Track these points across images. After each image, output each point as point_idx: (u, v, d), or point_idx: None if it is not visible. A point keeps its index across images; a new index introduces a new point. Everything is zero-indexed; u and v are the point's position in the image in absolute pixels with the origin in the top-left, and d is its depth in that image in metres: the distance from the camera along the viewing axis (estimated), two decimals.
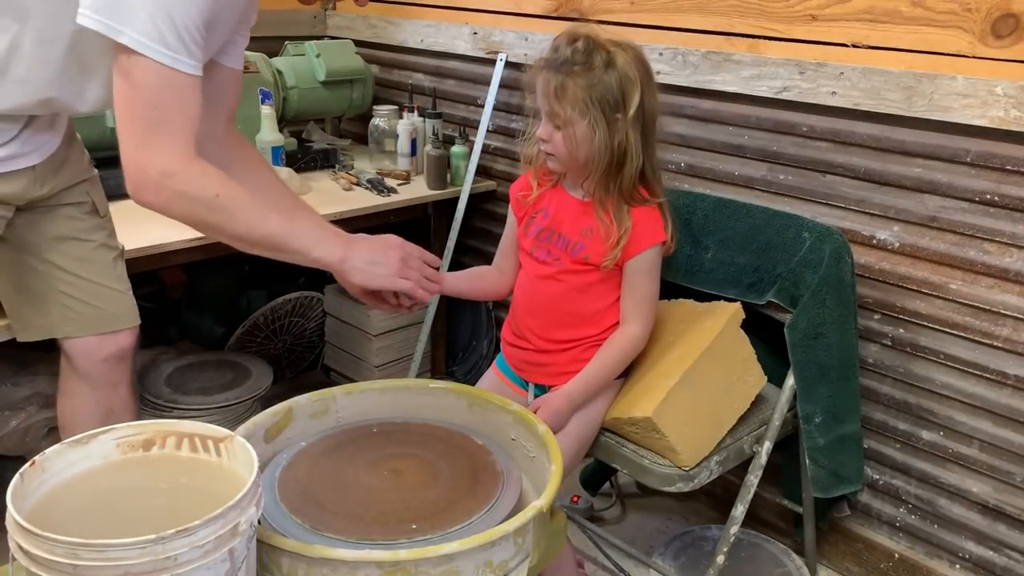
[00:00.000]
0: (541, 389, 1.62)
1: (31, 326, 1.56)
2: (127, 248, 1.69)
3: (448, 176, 2.46)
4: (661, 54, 2.02)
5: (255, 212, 1.24)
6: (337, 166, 2.54)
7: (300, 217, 1.33)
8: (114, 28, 1.12)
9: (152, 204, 1.20)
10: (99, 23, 1.12)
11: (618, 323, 1.57)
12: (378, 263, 1.33)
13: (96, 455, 1.01)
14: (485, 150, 2.50)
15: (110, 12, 1.11)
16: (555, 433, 1.33)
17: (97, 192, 1.58)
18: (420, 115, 2.58)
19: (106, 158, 1.67)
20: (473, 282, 1.68)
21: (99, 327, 1.56)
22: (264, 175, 1.50)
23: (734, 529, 1.68)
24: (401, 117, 2.59)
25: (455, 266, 2.54)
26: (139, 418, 1.46)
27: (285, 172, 2.24)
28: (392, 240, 1.37)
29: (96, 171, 1.60)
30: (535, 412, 1.44)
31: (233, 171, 1.41)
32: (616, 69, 1.41)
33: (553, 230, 1.56)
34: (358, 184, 2.41)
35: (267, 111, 2.31)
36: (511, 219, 1.66)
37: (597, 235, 1.51)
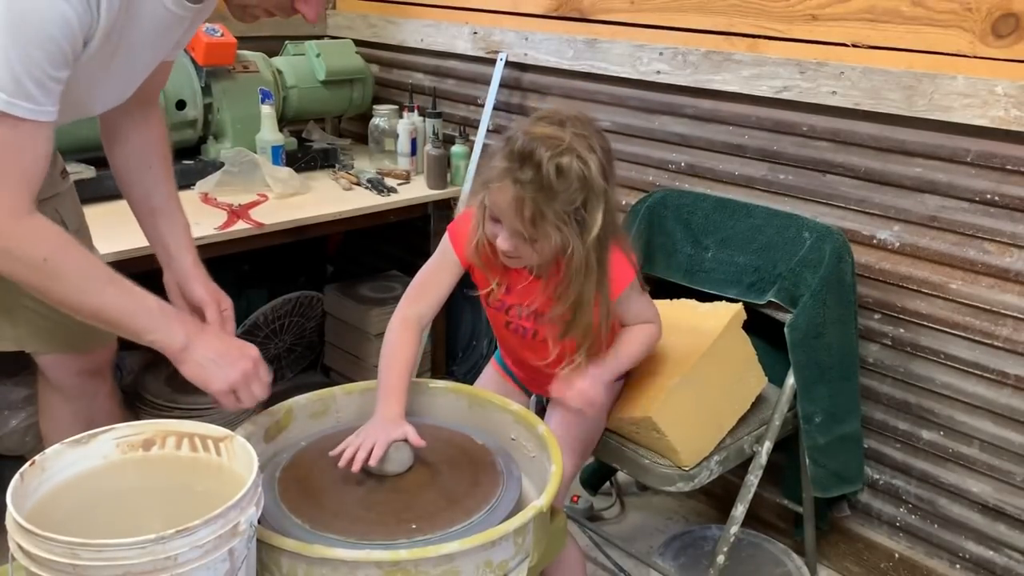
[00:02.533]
0: (538, 399, 1.62)
1: (3, 337, 1.51)
2: (126, 248, 1.68)
3: (448, 176, 2.46)
4: (661, 54, 2.02)
5: (88, 282, 1.13)
6: (337, 166, 2.54)
7: (140, 291, 1.18)
8: None
9: None
10: None
11: (610, 339, 1.51)
12: (216, 364, 1.20)
13: (96, 455, 1.01)
14: (485, 150, 2.50)
15: None
16: (590, 412, 1.33)
17: (66, 207, 1.49)
18: (420, 115, 2.58)
19: (101, 158, 1.64)
20: (416, 355, 1.43)
21: (68, 346, 1.51)
22: (148, 159, 1.40)
23: (734, 529, 1.68)
24: (401, 117, 2.59)
25: None
26: (138, 418, 1.45)
27: (285, 172, 2.24)
28: (250, 350, 1.25)
29: (70, 182, 1.52)
30: (566, 401, 1.38)
31: (127, 153, 1.40)
32: (584, 177, 1.24)
33: (520, 304, 1.42)
34: (358, 184, 2.40)
35: (267, 111, 2.31)
36: (449, 260, 1.43)
37: (563, 311, 1.36)
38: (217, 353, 1.21)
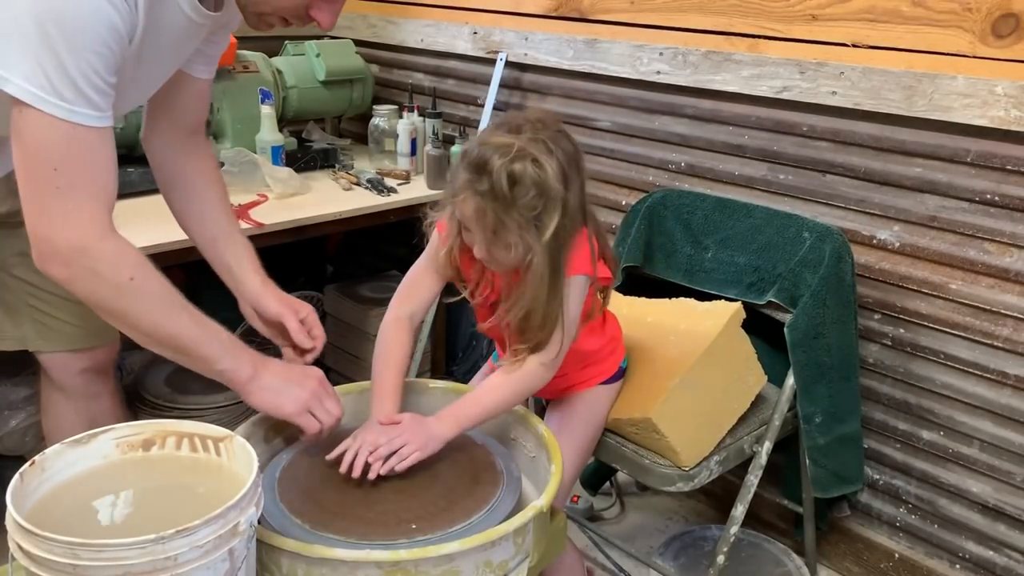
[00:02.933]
0: (537, 399, 1.62)
1: (6, 336, 1.52)
2: None
3: (448, 176, 2.46)
4: (661, 54, 2.02)
5: (167, 307, 1.11)
6: (337, 166, 2.54)
7: (211, 320, 1.16)
8: (1, 76, 0.97)
9: (58, 277, 1.06)
10: None
11: (603, 341, 1.51)
12: (284, 392, 1.20)
13: (96, 455, 1.01)
14: None
15: None
16: (420, 456, 1.23)
17: None
18: (420, 115, 2.58)
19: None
20: (409, 354, 1.43)
21: (72, 343, 1.51)
22: (202, 191, 1.38)
23: (734, 529, 1.68)
24: (401, 117, 2.59)
25: None
26: (138, 419, 1.45)
27: (285, 172, 2.24)
28: (314, 371, 1.26)
29: None
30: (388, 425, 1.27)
31: (180, 188, 1.37)
32: (539, 182, 1.22)
33: (498, 300, 1.40)
34: (358, 184, 2.40)
35: (267, 111, 2.31)
36: (435, 250, 1.42)
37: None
38: (283, 378, 1.20)
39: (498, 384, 1.34)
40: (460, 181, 1.26)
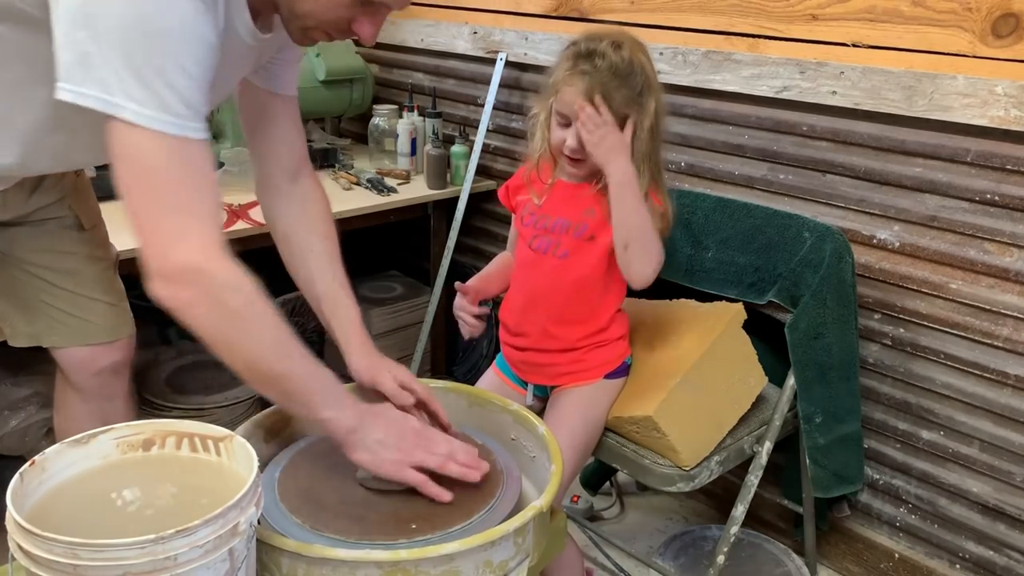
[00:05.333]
0: (540, 389, 1.62)
1: (20, 333, 1.53)
2: (127, 248, 1.68)
3: (448, 176, 2.46)
4: (661, 54, 2.02)
5: (279, 342, 1.04)
6: (337, 165, 2.54)
7: (318, 362, 1.10)
8: (109, 102, 0.93)
9: (174, 302, 0.99)
10: (88, 98, 0.93)
11: (615, 321, 1.57)
12: (388, 446, 1.12)
13: (96, 455, 1.01)
14: (485, 150, 2.50)
15: (94, 82, 0.92)
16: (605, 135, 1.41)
17: (83, 205, 1.49)
18: (420, 115, 2.58)
19: None
20: (504, 280, 1.65)
21: (85, 338, 1.51)
22: (309, 242, 1.33)
23: (734, 529, 1.68)
24: (401, 116, 2.59)
25: (454, 266, 2.54)
26: (138, 419, 1.45)
27: None
28: (412, 421, 1.17)
29: (86, 178, 1.52)
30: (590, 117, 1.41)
31: (293, 245, 1.33)
32: (645, 75, 1.43)
33: (551, 216, 1.54)
34: (358, 183, 2.41)
35: None
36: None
37: (603, 214, 1.49)
38: (383, 434, 1.13)
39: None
40: (563, 70, 1.43)
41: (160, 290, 0.99)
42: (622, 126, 1.42)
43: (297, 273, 1.35)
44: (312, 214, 1.35)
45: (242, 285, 1.01)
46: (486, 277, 1.67)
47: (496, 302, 1.67)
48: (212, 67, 1.00)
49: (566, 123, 1.45)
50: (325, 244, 1.34)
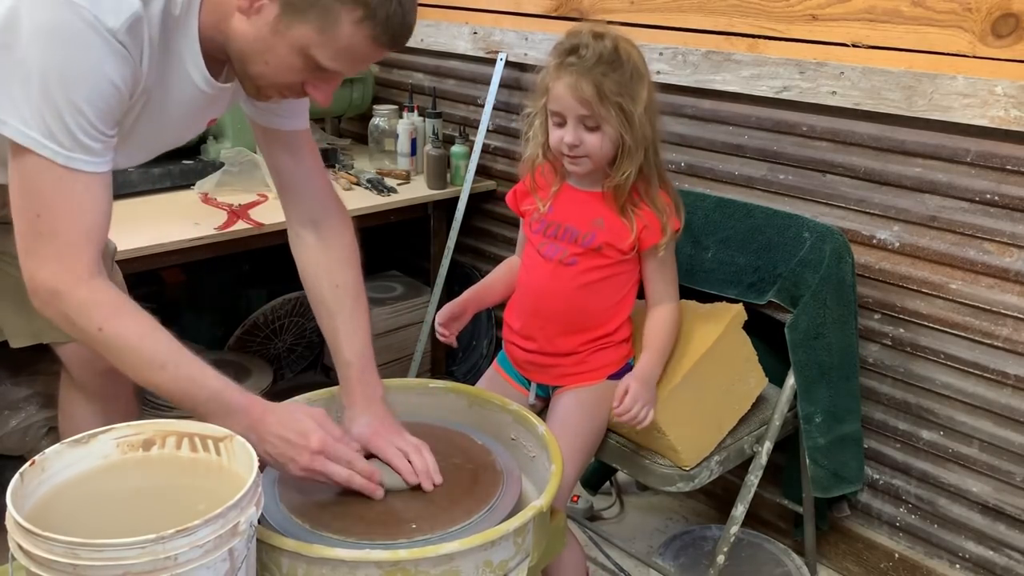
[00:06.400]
0: (543, 389, 1.62)
1: (20, 332, 1.52)
2: (127, 248, 1.68)
3: (448, 176, 2.46)
4: (661, 54, 2.02)
5: (141, 361, 1.09)
6: (337, 166, 2.54)
7: (199, 372, 1.12)
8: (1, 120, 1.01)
9: (43, 315, 1.09)
10: None
11: (622, 325, 1.56)
12: (288, 450, 1.12)
13: (96, 455, 1.01)
14: (485, 150, 2.50)
15: None
16: (649, 411, 1.44)
17: None
18: (420, 115, 2.58)
19: None
20: (508, 287, 1.64)
21: None
22: (344, 323, 1.35)
23: (734, 529, 1.68)
24: (401, 117, 2.59)
25: (454, 266, 2.54)
26: (139, 418, 1.45)
27: None
28: (310, 421, 1.14)
29: None
30: (625, 406, 1.44)
31: (325, 306, 1.35)
32: (633, 63, 1.42)
33: (559, 223, 1.53)
34: (358, 184, 2.40)
35: None
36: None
37: (612, 224, 1.49)
38: (281, 439, 1.12)
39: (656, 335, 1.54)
40: (551, 68, 1.43)
41: (36, 305, 1.08)
42: (617, 114, 1.41)
43: (326, 333, 1.39)
44: (336, 259, 1.37)
45: (93, 310, 1.07)
46: (488, 285, 1.66)
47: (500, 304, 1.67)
48: (116, 109, 1.06)
49: (561, 122, 1.44)
50: (357, 308, 1.36)
